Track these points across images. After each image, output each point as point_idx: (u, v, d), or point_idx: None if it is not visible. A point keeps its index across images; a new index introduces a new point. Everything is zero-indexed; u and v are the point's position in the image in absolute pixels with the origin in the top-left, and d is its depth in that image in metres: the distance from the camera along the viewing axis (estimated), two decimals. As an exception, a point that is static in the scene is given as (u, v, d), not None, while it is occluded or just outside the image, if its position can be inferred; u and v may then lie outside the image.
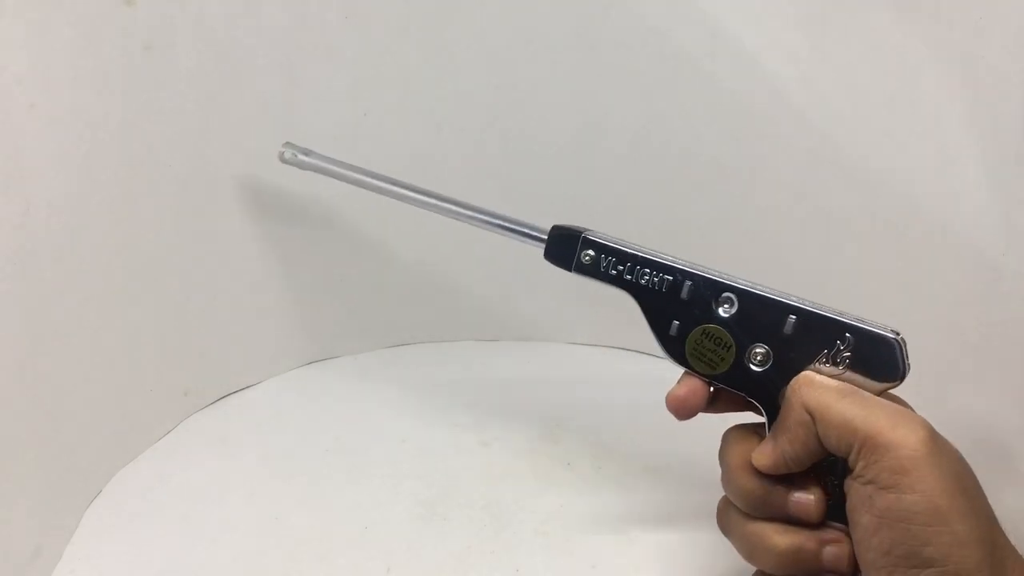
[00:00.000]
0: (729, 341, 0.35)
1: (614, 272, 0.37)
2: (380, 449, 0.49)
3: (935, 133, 0.42)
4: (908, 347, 0.33)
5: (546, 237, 0.38)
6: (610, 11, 0.47)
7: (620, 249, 0.37)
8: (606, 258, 0.37)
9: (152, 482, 0.46)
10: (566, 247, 0.37)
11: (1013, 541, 0.34)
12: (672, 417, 0.38)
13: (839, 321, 0.34)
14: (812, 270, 0.49)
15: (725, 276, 0.35)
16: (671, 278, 0.36)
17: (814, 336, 0.34)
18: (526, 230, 0.39)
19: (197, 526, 0.43)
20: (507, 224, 0.40)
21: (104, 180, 0.43)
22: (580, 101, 0.50)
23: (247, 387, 0.53)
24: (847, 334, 0.33)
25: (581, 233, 0.37)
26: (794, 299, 0.35)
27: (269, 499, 0.45)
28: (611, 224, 0.53)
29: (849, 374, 0.33)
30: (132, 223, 0.45)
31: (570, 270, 0.37)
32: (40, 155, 0.40)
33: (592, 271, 0.37)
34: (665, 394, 0.37)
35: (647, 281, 0.36)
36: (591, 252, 0.37)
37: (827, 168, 0.47)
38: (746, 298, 0.35)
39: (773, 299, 0.35)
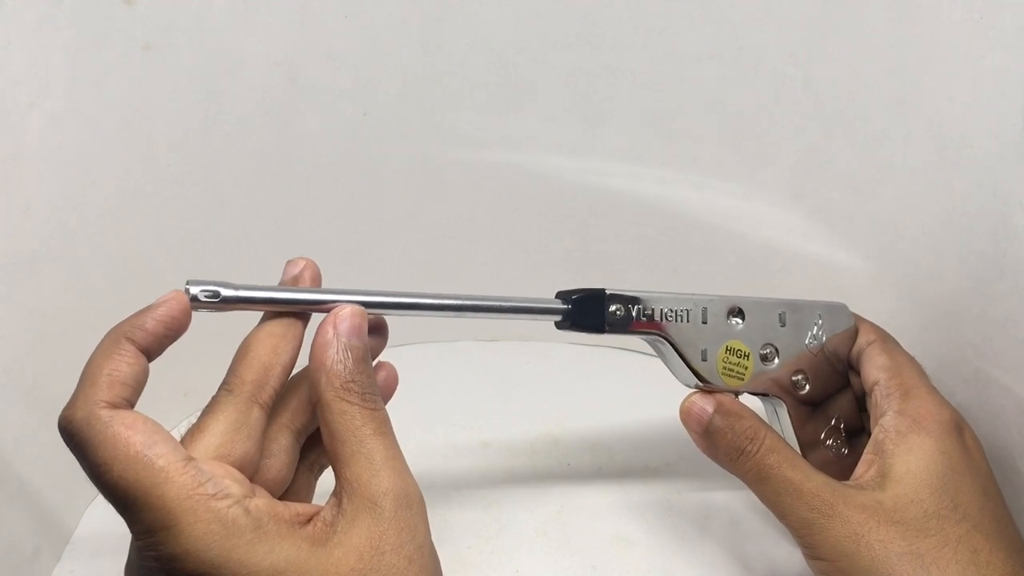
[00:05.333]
0: (746, 350, 0.38)
1: (644, 319, 0.37)
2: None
3: (935, 133, 0.42)
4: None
5: (563, 307, 0.36)
6: (611, 10, 0.47)
7: (644, 295, 0.37)
8: (634, 307, 0.37)
9: (152, 482, 0.46)
10: (591, 309, 0.36)
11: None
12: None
13: (813, 303, 0.40)
14: (811, 270, 0.49)
15: (723, 294, 0.38)
16: (690, 308, 0.38)
17: (800, 321, 0.39)
18: (538, 306, 0.37)
19: (197, 526, 0.43)
20: (514, 306, 0.36)
21: (104, 180, 0.43)
22: (580, 100, 0.50)
23: (247, 387, 0.53)
24: (818, 312, 0.40)
25: (604, 290, 0.36)
26: (771, 297, 0.40)
27: (269, 499, 0.45)
28: (611, 223, 0.53)
29: (827, 339, 0.40)
30: (132, 223, 0.45)
31: (602, 331, 0.36)
32: (40, 155, 0.40)
33: (623, 324, 0.37)
34: (674, 396, 0.38)
35: (674, 316, 0.37)
36: (619, 305, 0.36)
37: (827, 168, 0.47)
38: (749, 306, 0.38)
39: (767, 300, 0.39)
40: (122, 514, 0.27)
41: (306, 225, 0.51)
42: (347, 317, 0.31)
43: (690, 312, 0.37)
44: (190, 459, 0.27)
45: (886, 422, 0.36)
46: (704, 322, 0.38)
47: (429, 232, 0.54)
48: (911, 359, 0.40)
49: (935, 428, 0.35)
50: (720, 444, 0.37)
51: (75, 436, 0.27)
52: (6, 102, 0.38)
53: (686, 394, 0.38)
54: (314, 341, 0.31)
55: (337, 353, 0.30)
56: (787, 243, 0.50)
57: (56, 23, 0.39)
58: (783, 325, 0.39)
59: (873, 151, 0.45)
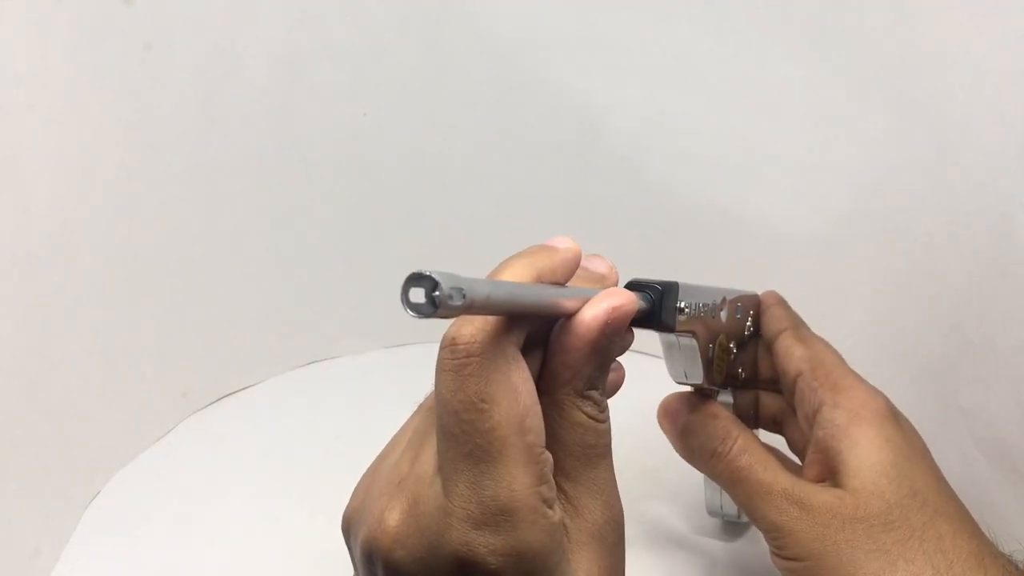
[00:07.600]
0: (727, 344, 0.36)
1: (695, 315, 0.32)
2: (380, 449, 0.49)
3: (935, 133, 0.42)
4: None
5: (649, 301, 0.30)
6: (612, 11, 0.47)
7: (699, 287, 0.32)
8: (695, 304, 0.32)
9: (152, 482, 0.46)
10: (668, 304, 0.30)
11: (1013, 544, 0.34)
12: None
13: (757, 295, 0.39)
14: (812, 270, 0.49)
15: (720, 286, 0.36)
16: (715, 301, 0.34)
17: (741, 311, 0.38)
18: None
19: (196, 526, 0.43)
20: None
21: (104, 180, 0.43)
22: (580, 100, 0.50)
23: (247, 387, 0.53)
24: (749, 301, 0.39)
25: (677, 283, 0.30)
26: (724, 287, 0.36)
27: (269, 499, 0.45)
28: (610, 223, 0.53)
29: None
30: (132, 223, 0.45)
31: (674, 329, 0.31)
32: (40, 155, 0.40)
33: (686, 324, 0.32)
34: (663, 395, 0.38)
35: (706, 311, 0.33)
36: (688, 300, 0.31)
37: (828, 168, 0.47)
38: (732, 299, 0.36)
39: (732, 291, 0.37)
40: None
41: (306, 225, 0.52)
42: (623, 307, 0.26)
43: (714, 305, 0.34)
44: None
45: (824, 418, 0.35)
46: (712, 316, 0.34)
47: (429, 232, 0.54)
48: (827, 345, 0.38)
49: (874, 417, 0.34)
50: (693, 445, 0.36)
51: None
52: (6, 102, 0.38)
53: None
54: (576, 321, 0.26)
55: (595, 352, 0.26)
56: (785, 243, 0.50)
57: (56, 23, 0.39)
58: (739, 316, 0.37)
59: (873, 151, 0.45)
